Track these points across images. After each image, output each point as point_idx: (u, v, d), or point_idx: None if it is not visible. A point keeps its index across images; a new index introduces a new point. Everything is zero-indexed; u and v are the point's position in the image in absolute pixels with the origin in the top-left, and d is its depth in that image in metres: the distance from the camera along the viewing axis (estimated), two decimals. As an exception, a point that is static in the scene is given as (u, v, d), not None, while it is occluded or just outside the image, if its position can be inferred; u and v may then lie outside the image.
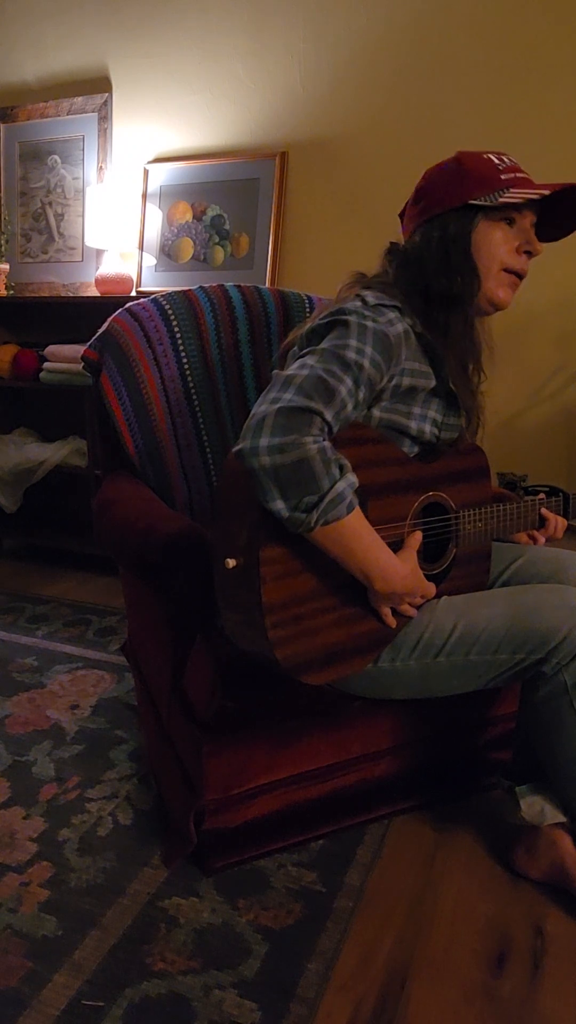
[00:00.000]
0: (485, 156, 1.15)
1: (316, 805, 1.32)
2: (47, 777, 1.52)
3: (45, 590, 2.60)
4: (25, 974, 1.06)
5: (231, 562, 1.03)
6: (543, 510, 1.34)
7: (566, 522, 1.38)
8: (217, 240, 2.63)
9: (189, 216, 2.66)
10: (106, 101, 2.75)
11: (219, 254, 2.63)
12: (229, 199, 2.60)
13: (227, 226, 2.61)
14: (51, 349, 2.66)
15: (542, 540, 1.38)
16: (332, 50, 2.42)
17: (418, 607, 1.15)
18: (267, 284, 2.54)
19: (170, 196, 2.69)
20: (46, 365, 2.66)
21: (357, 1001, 1.04)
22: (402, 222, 1.25)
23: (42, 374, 2.67)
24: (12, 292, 2.92)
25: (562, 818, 1.20)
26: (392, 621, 1.13)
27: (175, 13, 2.60)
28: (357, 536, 1.00)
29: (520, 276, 1.18)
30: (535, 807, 1.21)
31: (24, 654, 2.07)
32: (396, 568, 1.06)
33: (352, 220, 2.48)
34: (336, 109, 2.45)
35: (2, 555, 2.98)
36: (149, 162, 2.72)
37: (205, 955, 1.10)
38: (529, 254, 1.18)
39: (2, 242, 2.90)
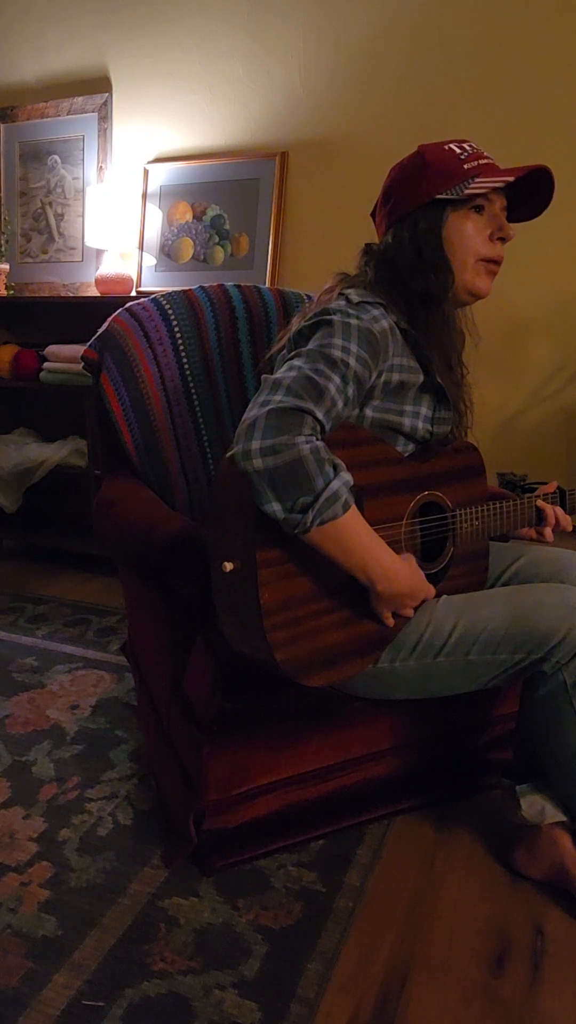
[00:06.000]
0: (447, 147, 1.15)
1: (316, 805, 1.32)
2: (47, 777, 1.52)
3: (45, 590, 2.60)
4: (25, 974, 1.06)
5: (228, 565, 1.03)
6: (539, 502, 1.31)
7: (568, 517, 1.36)
8: (217, 240, 2.63)
9: (189, 216, 2.66)
10: (106, 101, 2.75)
11: (219, 254, 2.63)
12: (229, 199, 2.60)
13: (227, 226, 2.61)
14: (51, 349, 2.65)
15: (550, 534, 1.33)
16: (332, 50, 2.42)
17: (417, 607, 1.15)
18: (267, 284, 2.54)
19: (170, 196, 2.68)
20: (46, 365, 2.66)
21: (357, 1001, 1.04)
22: (375, 222, 1.25)
23: (42, 374, 2.67)
24: (12, 292, 2.91)
25: (562, 817, 1.20)
26: (391, 622, 1.12)
27: (175, 13, 2.60)
28: (355, 535, 1.00)
29: (496, 263, 1.18)
30: (535, 806, 1.21)
31: (24, 654, 2.07)
32: (398, 568, 1.06)
33: (352, 220, 2.47)
34: (336, 109, 2.45)
35: (2, 555, 2.98)
36: (149, 162, 2.72)
37: (205, 955, 1.10)
38: (503, 240, 1.17)
39: (2, 242, 2.90)
